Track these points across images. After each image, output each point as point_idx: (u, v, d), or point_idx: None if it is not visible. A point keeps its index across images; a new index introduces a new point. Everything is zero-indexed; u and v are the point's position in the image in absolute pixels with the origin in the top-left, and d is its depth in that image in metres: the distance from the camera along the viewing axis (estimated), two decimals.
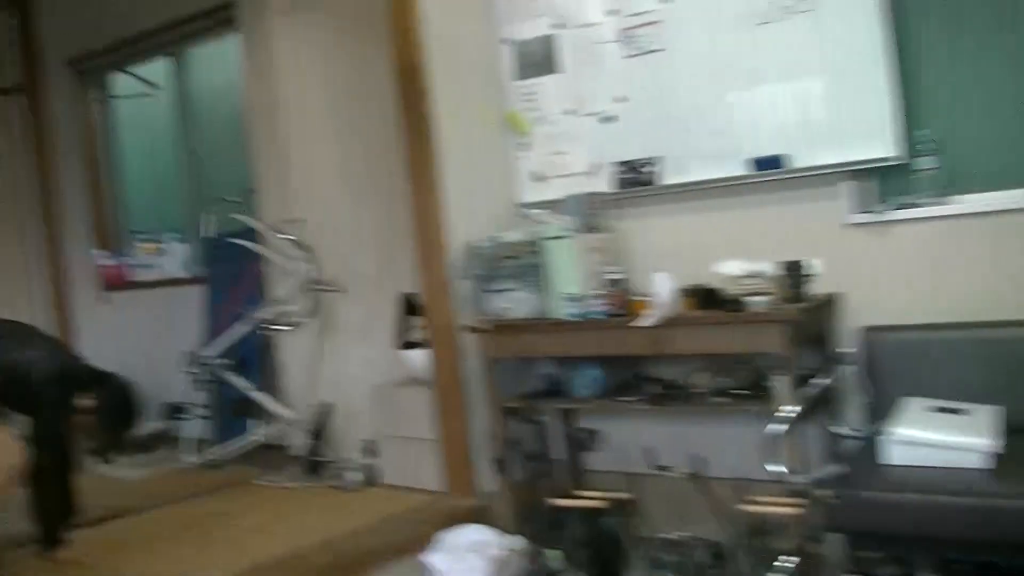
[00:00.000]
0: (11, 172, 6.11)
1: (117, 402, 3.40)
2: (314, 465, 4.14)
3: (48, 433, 3.15)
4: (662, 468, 3.20)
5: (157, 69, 5.48)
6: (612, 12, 3.52)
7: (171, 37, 5.18)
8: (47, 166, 6.00)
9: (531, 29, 3.73)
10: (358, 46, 4.21)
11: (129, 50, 5.42)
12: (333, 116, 4.36)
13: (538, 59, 3.72)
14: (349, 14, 4.23)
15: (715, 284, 3.11)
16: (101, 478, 4.43)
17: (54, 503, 3.19)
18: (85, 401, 3.30)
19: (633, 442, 3.55)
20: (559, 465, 3.69)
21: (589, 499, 3.17)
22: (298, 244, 4.23)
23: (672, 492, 3.22)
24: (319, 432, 4.19)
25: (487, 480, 3.59)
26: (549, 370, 3.64)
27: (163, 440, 4.79)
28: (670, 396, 3.27)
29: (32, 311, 6.05)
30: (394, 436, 3.97)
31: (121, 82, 5.76)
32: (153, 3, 5.16)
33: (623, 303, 3.21)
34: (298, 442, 4.32)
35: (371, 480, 3.98)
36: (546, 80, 3.71)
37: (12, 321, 3.44)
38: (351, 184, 4.36)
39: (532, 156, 3.77)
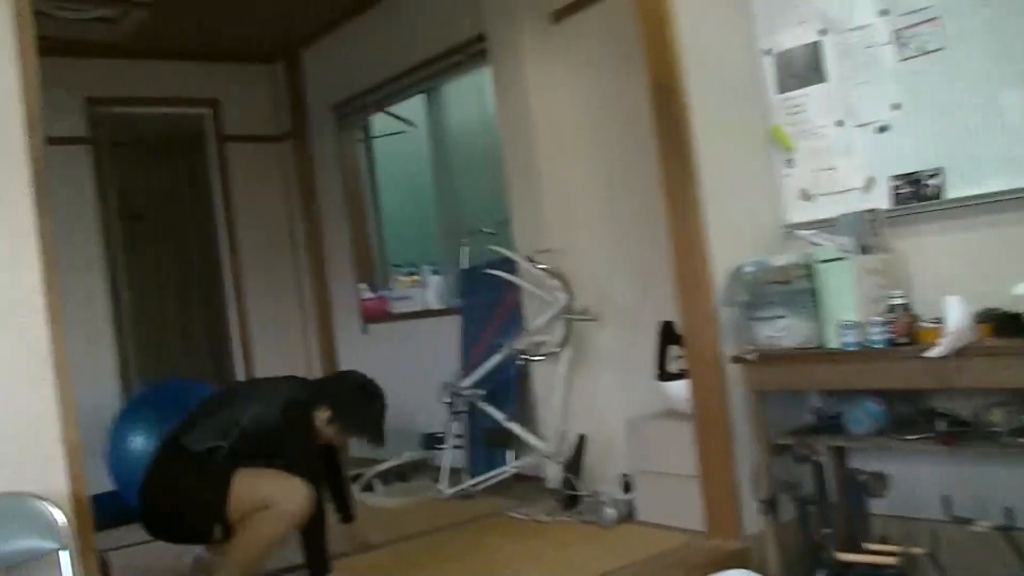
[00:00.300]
0: (285, 212, 6.55)
1: (347, 399, 3.46)
2: (569, 499, 4.04)
3: (305, 471, 3.19)
4: (960, 519, 2.83)
5: (412, 107, 5.66)
6: (884, 12, 3.22)
7: (426, 74, 5.33)
8: (313, 205, 6.38)
9: (794, 38, 3.48)
10: (611, 68, 4.12)
11: (387, 90, 5.65)
12: (587, 141, 4.31)
13: (802, 69, 3.47)
14: (601, 35, 4.16)
15: (1015, 309, 2.73)
16: (360, 506, 4.58)
17: (322, 530, 3.23)
18: (321, 415, 3.37)
19: (916, 485, 3.18)
20: (834, 509, 3.37)
21: (878, 553, 2.84)
22: (553, 273, 4.18)
23: (971, 546, 2.84)
24: (574, 465, 4.09)
25: (752, 522, 3.33)
26: (818, 404, 3.35)
27: (420, 469, 4.87)
28: (963, 434, 2.90)
29: (306, 342, 6.45)
30: (651, 471, 3.80)
31: (379, 122, 6.02)
32: (408, 43, 5.34)
33: (907, 330, 2.88)
34: (552, 474, 4.25)
35: (627, 516, 3.82)
36: (811, 90, 3.44)
37: (236, 382, 3.58)
38: (606, 210, 4.28)
39: (798, 173, 3.51)
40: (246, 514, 3.04)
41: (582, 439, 4.12)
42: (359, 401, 3.50)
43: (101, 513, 4.61)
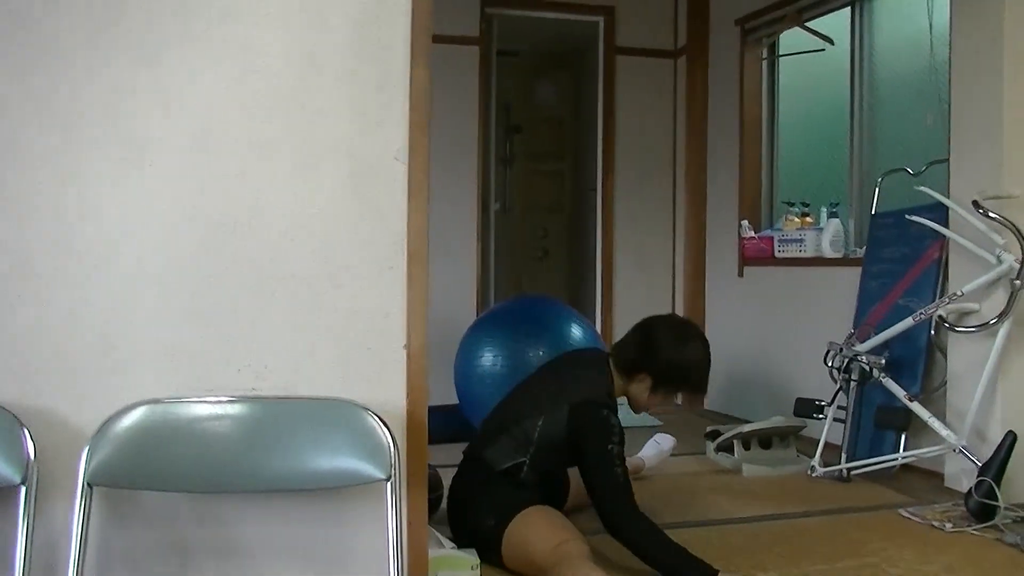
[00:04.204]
0: (670, 136, 6.07)
1: (666, 356, 2.94)
2: (982, 508, 3.21)
3: (603, 482, 2.71)
4: None
5: (834, 21, 4.87)
6: None
7: None
8: (701, 129, 5.83)
9: None
10: None
11: (804, 2, 4.91)
12: None
13: None
14: None
15: None
16: (721, 472, 4.05)
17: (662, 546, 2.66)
18: (639, 387, 2.92)
19: None
20: None
21: None
22: (1004, 225, 3.31)
23: None
24: (994, 467, 3.25)
25: None
26: None
27: (787, 439, 4.21)
28: None
29: (672, 279, 5.98)
30: None
31: (789, 39, 5.29)
32: None
33: None
34: (956, 473, 3.49)
35: None
36: None
37: (528, 380, 3.06)
38: None
39: None
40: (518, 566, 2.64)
41: (1013, 438, 3.25)
42: (680, 353, 2.96)
43: (441, 425, 4.52)
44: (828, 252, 4.67)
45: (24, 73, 1.64)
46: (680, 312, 5.94)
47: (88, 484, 1.61)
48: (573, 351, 3.13)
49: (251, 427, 1.66)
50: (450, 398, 4.55)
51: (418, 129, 1.73)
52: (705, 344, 3.04)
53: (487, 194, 5.89)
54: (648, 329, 3.07)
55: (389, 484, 1.62)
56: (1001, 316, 3.38)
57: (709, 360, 3.04)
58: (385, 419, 1.67)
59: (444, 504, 3.04)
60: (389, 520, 1.60)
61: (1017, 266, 3.32)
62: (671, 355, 2.96)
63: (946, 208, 3.68)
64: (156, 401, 1.66)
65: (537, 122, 7.57)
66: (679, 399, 2.99)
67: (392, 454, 1.62)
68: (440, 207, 5.53)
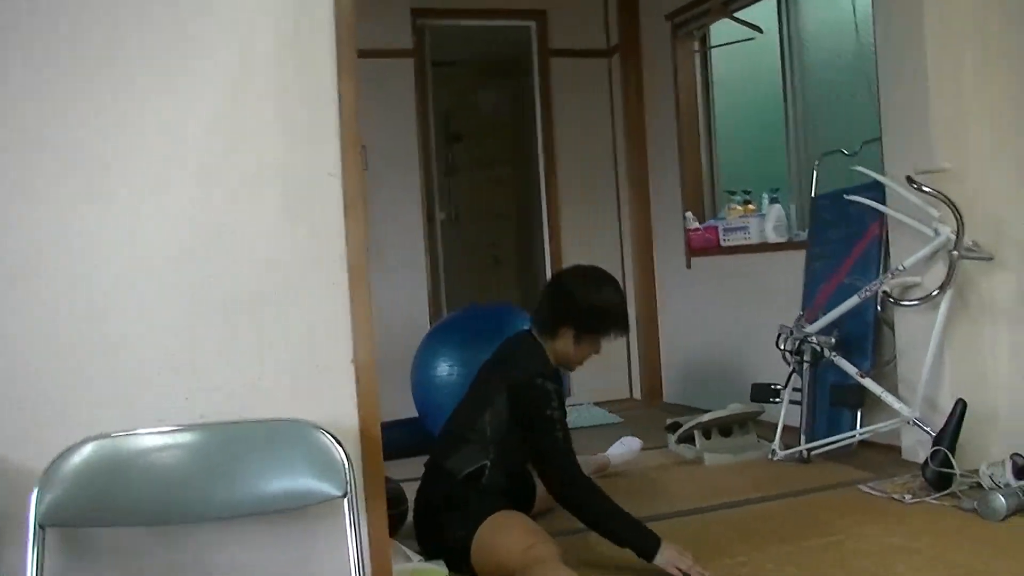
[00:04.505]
0: (609, 133, 6.10)
1: (583, 305, 2.93)
2: (939, 478, 3.26)
3: (554, 455, 2.73)
4: None
5: (760, 10, 4.94)
6: None
7: None
8: (639, 125, 5.86)
9: None
10: None
11: None
12: (992, 44, 3.47)
13: None
14: None
15: None
16: (684, 463, 4.08)
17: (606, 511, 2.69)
18: (563, 342, 2.93)
19: None
20: None
21: None
22: (938, 199, 3.38)
23: None
24: (948, 437, 3.31)
25: None
26: None
27: (746, 425, 4.25)
28: None
29: (624, 275, 6.01)
30: None
31: (719, 30, 5.35)
32: None
33: None
34: (912, 445, 3.54)
35: (1019, 509, 3.00)
36: None
37: (475, 381, 3.07)
38: (1011, 127, 3.42)
39: None
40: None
41: (962, 406, 3.31)
42: (595, 295, 2.95)
43: (402, 439, 4.49)
44: (772, 237, 4.72)
45: None
46: (632, 307, 5.97)
47: (40, 525, 1.57)
48: (505, 340, 3.12)
49: (203, 454, 1.63)
50: (410, 411, 4.54)
51: (350, 144, 1.72)
52: (617, 286, 3.04)
53: (432, 204, 5.88)
54: (558, 282, 3.09)
55: (346, 501, 1.60)
56: (942, 287, 3.44)
57: (624, 298, 3.05)
58: (338, 436, 1.66)
59: (410, 518, 3.02)
60: (349, 537, 1.59)
61: (953, 237, 3.38)
62: (586, 299, 2.94)
63: (883, 186, 3.75)
64: (104, 436, 1.63)
65: (479, 130, 7.58)
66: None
67: (347, 471, 1.61)
68: (385, 220, 5.53)
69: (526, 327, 3.10)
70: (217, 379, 1.71)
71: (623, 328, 3.01)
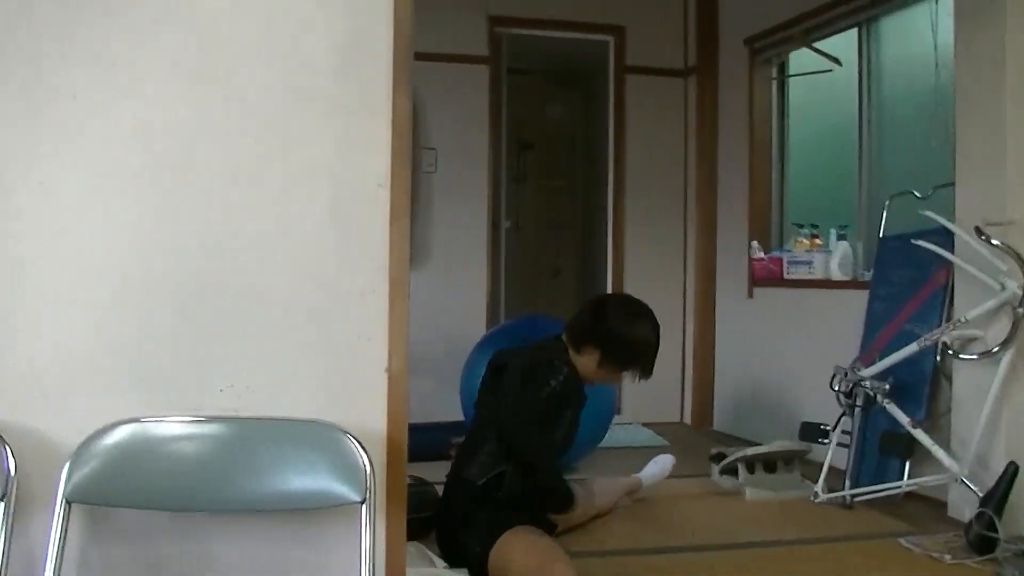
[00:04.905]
0: (679, 155, 6.06)
1: (616, 332, 2.97)
2: (982, 540, 3.17)
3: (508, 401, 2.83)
4: None
5: (841, 42, 4.86)
6: None
7: (861, 4, 4.55)
8: (711, 148, 5.82)
9: None
10: None
11: (813, 21, 4.90)
12: None
13: None
14: None
15: None
16: (724, 495, 4.02)
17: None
18: (588, 358, 2.96)
19: None
20: None
21: None
22: (1007, 252, 3.28)
23: None
24: (996, 499, 3.21)
25: None
26: None
27: (791, 463, 4.18)
28: None
29: (683, 299, 5.97)
30: None
31: (798, 59, 5.28)
32: None
33: None
34: (959, 503, 3.45)
35: None
36: None
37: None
38: None
39: None
40: None
41: (1014, 469, 3.21)
42: (629, 329, 2.97)
43: (449, 440, 4.50)
44: (837, 275, 4.64)
45: (6, 97, 1.67)
46: (691, 333, 5.92)
47: (67, 501, 1.62)
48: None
49: (228, 447, 1.66)
50: (457, 415, 4.57)
51: (400, 156, 1.74)
52: (655, 327, 3.03)
53: (498, 211, 5.90)
54: (601, 302, 3.12)
55: (364, 506, 1.62)
56: (1004, 344, 3.35)
57: (657, 343, 3.03)
58: (365, 441, 1.67)
59: None
60: (363, 541, 1.60)
61: (1020, 293, 3.28)
62: (620, 329, 2.96)
63: (952, 233, 3.65)
64: (136, 420, 1.67)
65: (549, 140, 7.59)
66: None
67: (367, 477, 1.63)
68: (450, 223, 5.57)
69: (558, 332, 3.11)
70: (253, 376, 1.74)
71: (645, 369, 3.01)
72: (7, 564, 1.57)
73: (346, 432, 1.67)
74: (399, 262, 1.75)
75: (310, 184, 1.74)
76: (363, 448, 1.65)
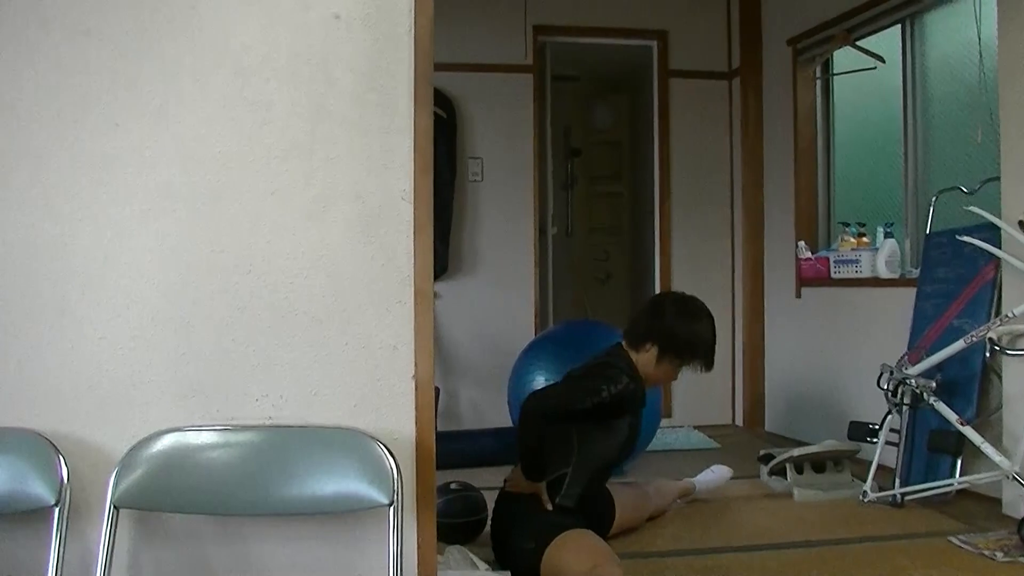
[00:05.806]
0: (725, 156, 6.06)
1: (673, 328, 3.07)
2: None
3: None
4: None
5: (884, 40, 4.82)
6: None
7: (903, 0, 4.52)
8: (756, 149, 5.81)
9: None
10: None
11: (856, 20, 4.87)
12: None
13: None
14: None
15: None
16: (773, 496, 4.02)
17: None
18: (646, 356, 3.04)
19: None
20: None
21: None
22: None
23: None
24: None
25: None
26: None
27: (840, 463, 4.15)
28: None
29: (732, 300, 5.96)
30: None
31: (841, 58, 5.25)
32: None
33: None
34: (1012, 500, 3.40)
35: None
36: None
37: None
38: None
39: None
40: None
41: None
42: (685, 324, 3.06)
43: (496, 447, 4.56)
44: (884, 272, 4.60)
45: (61, 127, 1.79)
46: (740, 335, 5.91)
47: (115, 506, 1.72)
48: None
49: (264, 453, 1.75)
50: (506, 419, 4.63)
51: (422, 171, 1.82)
52: (711, 321, 3.12)
53: (545, 218, 5.96)
54: (658, 300, 3.25)
55: (391, 509, 1.69)
56: None
57: (714, 333, 3.11)
58: (394, 446, 1.75)
59: (488, 526, 3.10)
60: (391, 543, 1.67)
61: None
62: (677, 325, 3.05)
63: (999, 228, 3.61)
64: (179, 429, 1.77)
65: (596, 145, 7.62)
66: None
67: (395, 480, 1.70)
68: (497, 232, 5.64)
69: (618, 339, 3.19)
70: (287, 385, 1.82)
71: (706, 362, 3.08)
72: (63, 566, 1.68)
73: (373, 437, 1.75)
74: (423, 273, 1.83)
75: (339, 201, 1.83)
76: (390, 452, 1.73)
